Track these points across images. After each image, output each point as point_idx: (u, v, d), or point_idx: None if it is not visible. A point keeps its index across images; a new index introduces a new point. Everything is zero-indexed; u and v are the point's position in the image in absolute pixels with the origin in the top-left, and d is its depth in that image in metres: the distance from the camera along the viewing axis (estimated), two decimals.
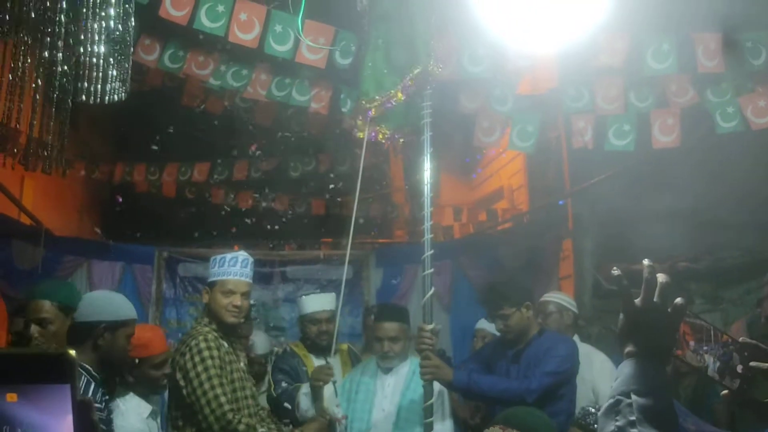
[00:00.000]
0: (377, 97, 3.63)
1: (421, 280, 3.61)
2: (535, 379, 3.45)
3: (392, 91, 3.43)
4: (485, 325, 4.55)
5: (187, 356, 3.31)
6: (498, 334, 3.81)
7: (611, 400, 1.30)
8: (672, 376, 5.28)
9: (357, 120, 3.86)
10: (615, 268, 1.35)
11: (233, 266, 3.59)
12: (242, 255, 3.65)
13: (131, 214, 8.36)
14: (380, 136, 3.56)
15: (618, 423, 1.26)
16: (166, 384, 3.32)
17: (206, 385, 3.28)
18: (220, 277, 3.55)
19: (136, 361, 3.12)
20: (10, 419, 0.67)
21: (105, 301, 3.01)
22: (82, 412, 0.68)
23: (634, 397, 1.26)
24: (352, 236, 4.00)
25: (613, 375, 4.30)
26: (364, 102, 3.66)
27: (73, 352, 0.67)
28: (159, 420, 3.34)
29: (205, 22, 4.10)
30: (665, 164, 4.47)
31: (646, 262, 1.34)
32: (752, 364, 1.47)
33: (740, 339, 1.57)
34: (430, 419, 3.39)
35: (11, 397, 0.67)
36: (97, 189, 8.85)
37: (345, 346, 4.56)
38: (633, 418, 1.25)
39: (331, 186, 7.66)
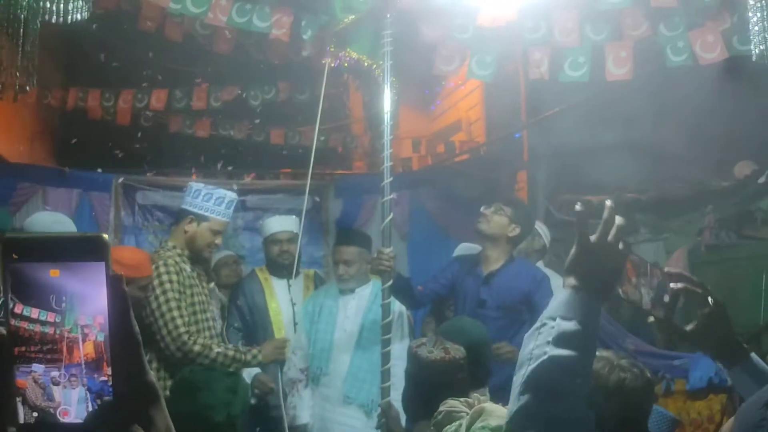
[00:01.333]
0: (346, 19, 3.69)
1: (380, 208, 3.73)
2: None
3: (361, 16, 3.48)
4: (462, 249, 4.70)
5: None
6: None
7: (537, 323, 1.33)
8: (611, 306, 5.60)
9: (328, 45, 3.90)
10: (578, 203, 1.38)
11: (220, 205, 3.67)
12: (230, 195, 3.72)
13: (86, 141, 8.22)
14: (348, 54, 3.61)
15: (537, 343, 1.29)
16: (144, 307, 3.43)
17: (164, 308, 3.39)
18: (209, 213, 3.63)
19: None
20: (56, 289, 0.79)
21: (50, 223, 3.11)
22: (115, 285, 0.80)
23: (559, 320, 1.29)
24: (312, 166, 4.09)
25: None
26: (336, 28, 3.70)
27: (106, 236, 0.79)
28: None
29: None
30: (618, 97, 4.61)
31: (608, 203, 1.36)
32: (671, 285, 1.59)
33: (665, 269, 1.69)
34: (388, 336, 3.57)
35: (54, 272, 0.79)
36: (50, 115, 8.64)
37: (311, 272, 4.68)
38: (550, 339, 1.27)
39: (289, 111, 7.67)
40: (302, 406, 3.97)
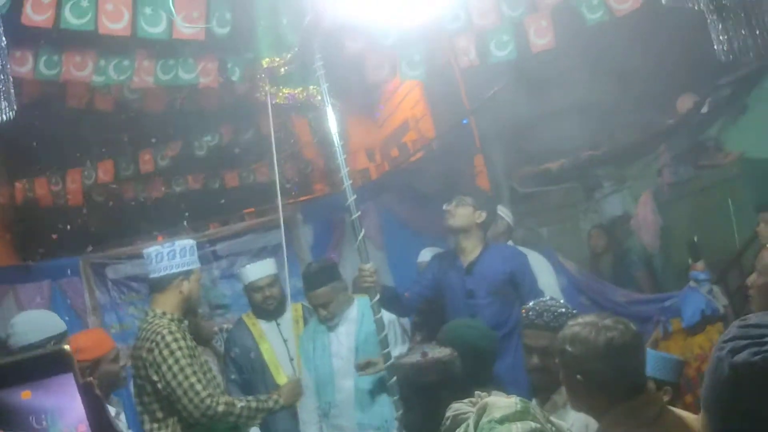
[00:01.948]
0: (277, 58, 3.69)
1: (350, 226, 3.74)
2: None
3: (291, 53, 3.49)
4: (426, 257, 4.75)
5: (156, 351, 3.33)
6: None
7: None
8: (591, 258, 5.70)
9: (261, 83, 3.90)
10: None
11: (194, 255, 3.63)
12: (189, 242, 3.69)
13: (44, 229, 8.09)
14: (278, 99, 3.63)
15: None
16: (125, 377, 3.38)
17: (180, 377, 3.33)
18: (193, 265, 3.58)
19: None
20: (32, 409, 0.80)
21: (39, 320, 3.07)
22: (87, 391, 0.82)
23: None
24: (275, 198, 4.08)
25: (549, 270, 4.56)
26: (264, 63, 3.70)
27: (68, 347, 0.79)
28: (124, 418, 3.41)
29: (71, 20, 3.97)
30: (549, 65, 4.69)
31: None
32: None
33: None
34: (387, 350, 3.57)
35: (26, 394, 0.80)
36: (2, 213, 8.49)
37: (298, 305, 4.66)
38: None
39: (237, 152, 7.64)
40: None
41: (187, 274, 3.55)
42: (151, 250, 3.56)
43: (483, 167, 6.34)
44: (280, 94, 3.97)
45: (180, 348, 3.35)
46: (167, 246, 3.57)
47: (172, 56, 4.64)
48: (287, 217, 6.58)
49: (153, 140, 7.37)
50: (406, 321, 4.39)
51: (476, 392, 2.09)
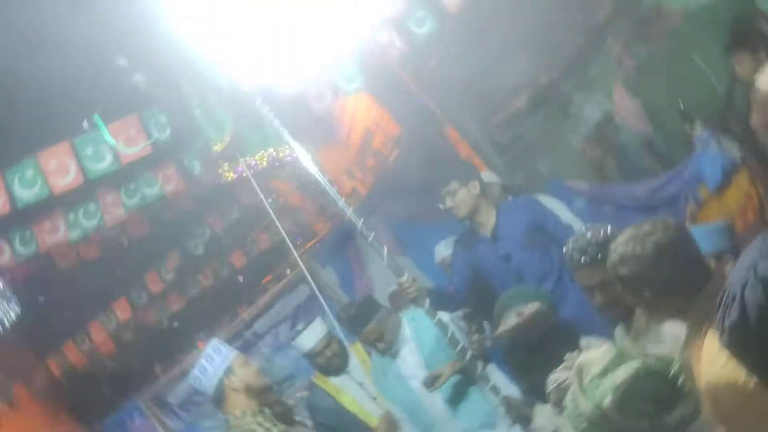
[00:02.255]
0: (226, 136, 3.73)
1: (366, 249, 3.75)
2: None
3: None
4: (441, 251, 4.72)
5: None
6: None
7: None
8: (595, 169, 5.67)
9: (221, 167, 3.93)
10: None
11: (223, 347, 3.67)
12: (212, 341, 3.71)
13: (93, 389, 8.09)
14: (244, 170, 3.65)
15: None
16: None
17: None
18: (231, 356, 3.61)
19: None
20: None
21: None
22: None
23: None
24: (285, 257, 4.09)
25: (560, 205, 4.50)
26: (217, 148, 3.73)
27: None
28: None
29: (23, 194, 3.98)
30: (474, 16, 4.68)
31: None
32: None
33: None
34: (460, 345, 3.56)
35: None
36: (50, 393, 8.50)
37: (358, 346, 4.61)
38: None
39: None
40: None
41: (229, 369, 3.55)
42: (192, 373, 3.57)
43: (458, 135, 6.31)
44: (244, 164, 4.00)
45: None
46: (202, 357, 3.58)
47: (130, 180, 4.65)
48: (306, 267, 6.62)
49: (150, 259, 7.37)
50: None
51: (566, 355, 2.08)
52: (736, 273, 1.41)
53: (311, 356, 4.31)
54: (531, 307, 2.54)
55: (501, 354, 3.65)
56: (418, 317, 3.86)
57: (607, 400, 1.78)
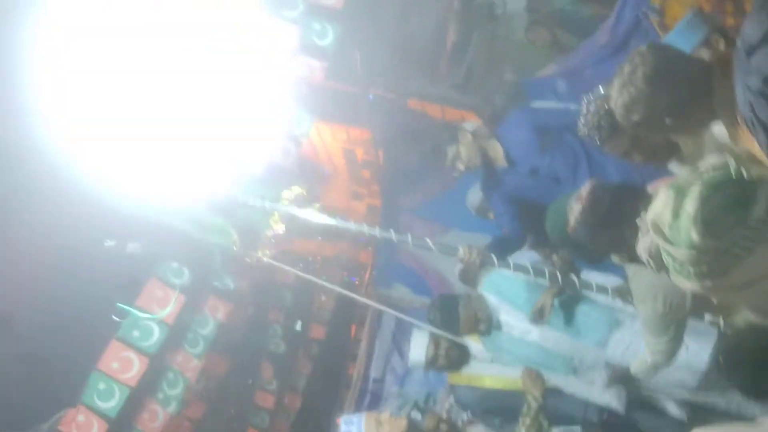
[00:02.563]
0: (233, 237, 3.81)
1: (414, 249, 3.76)
2: None
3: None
4: (473, 201, 4.69)
5: None
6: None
7: None
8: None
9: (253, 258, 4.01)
10: None
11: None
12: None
13: None
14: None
15: None
16: None
17: None
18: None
19: None
20: None
21: None
22: None
23: None
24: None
25: (547, 97, 4.45)
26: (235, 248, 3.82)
27: None
28: None
29: (109, 406, 4.07)
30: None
31: None
32: None
33: None
34: (548, 271, 3.54)
35: None
36: None
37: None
38: None
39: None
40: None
41: None
42: None
43: (422, 103, 6.30)
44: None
45: None
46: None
47: (186, 331, 4.72)
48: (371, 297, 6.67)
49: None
50: None
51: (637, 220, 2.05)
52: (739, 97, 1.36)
53: (431, 364, 4.30)
54: (584, 188, 2.52)
55: (586, 251, 3.63)
56: (495, 279, 3.85)
57: (694, 236, 1.74)
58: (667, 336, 2.85)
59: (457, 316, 3.85)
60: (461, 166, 3.97)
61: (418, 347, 4.28)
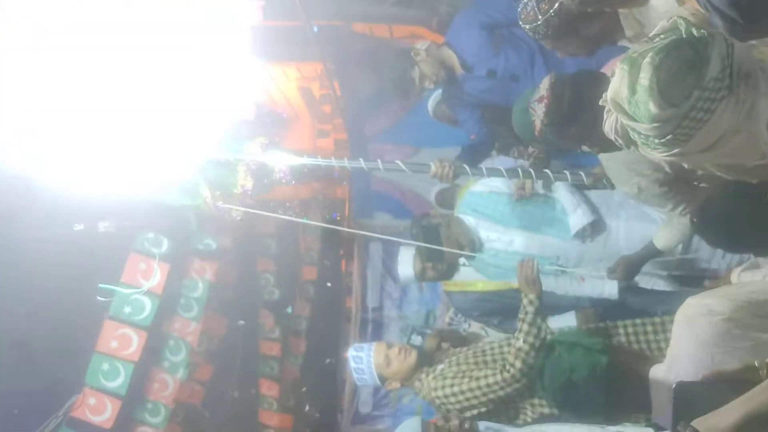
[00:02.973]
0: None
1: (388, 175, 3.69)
2: None
3: None
4: (434, 110, 4.64)
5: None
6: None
7: None
8: None
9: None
10: None
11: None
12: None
13: None
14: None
15: None
16: None
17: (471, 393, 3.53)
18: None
19: None
20: None
21: None
22: None
23: None
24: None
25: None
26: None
27: None
28: None
29: (117, 384, 4.05)
30: None
31: None
32: None
33: None
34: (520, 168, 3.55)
35: None
36: None
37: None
38: None
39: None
40: None
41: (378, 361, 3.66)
42: (356, 382, 3.68)
43: (366, 25, 6.15)
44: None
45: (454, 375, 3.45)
46: (352, 368, 3.70)
47: (178, 297, 4.70)
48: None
49: None
50: None
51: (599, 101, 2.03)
52: None
53: (421, 278, 4.36)
54: (543, 85, 2.49)
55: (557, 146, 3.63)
56: (468, 199, 3.87)
57: (653, 108, 1.73)
58: (669, 205, 2.87)
59: (439, 241, 3.88)
60: (430, 84, 3.92)
61: (406, 263, 4.34)
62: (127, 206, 3.91)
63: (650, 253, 3.45)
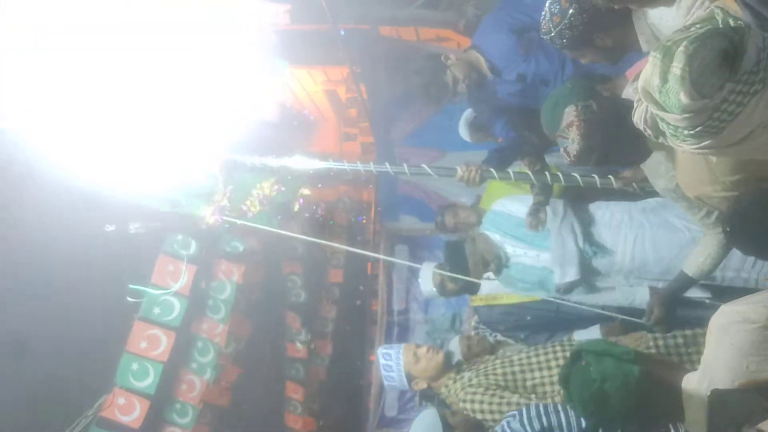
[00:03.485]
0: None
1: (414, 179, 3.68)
2: None
3: None
4: (467, 119, 4.63)
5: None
6: None
7: None
8: None
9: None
10: None
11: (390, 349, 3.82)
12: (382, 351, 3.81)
13: None
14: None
15: None
16: None
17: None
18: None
19: None
20: None
21: None
22: None
23: None
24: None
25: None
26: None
27: None
28: None
29: (146, 384, 4.11)
30: None
31: None
32: None
33: None
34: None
35: None
36: None
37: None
38: None
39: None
40: None
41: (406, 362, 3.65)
42: (385, 384, 3.67)
43: (395, 29, 6.15)
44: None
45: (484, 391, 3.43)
46: (381, 368, 3.69)
47: (206, 299, 4.75)
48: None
49: None
50: None
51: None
52: None
53: (443, 292, 4.34)
54: (566, 113, 2.45)
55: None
56: (492, 217, 3.88)
57: (684, 99, 1.69)
58: (700, 213, 2.80)
59: (465, 262, 3.87)
60: (463, 88, 3.89)
61: (426, 279, 4.33)
62: (156, 208, 3.95)
63: (683, 284, 3.23)
